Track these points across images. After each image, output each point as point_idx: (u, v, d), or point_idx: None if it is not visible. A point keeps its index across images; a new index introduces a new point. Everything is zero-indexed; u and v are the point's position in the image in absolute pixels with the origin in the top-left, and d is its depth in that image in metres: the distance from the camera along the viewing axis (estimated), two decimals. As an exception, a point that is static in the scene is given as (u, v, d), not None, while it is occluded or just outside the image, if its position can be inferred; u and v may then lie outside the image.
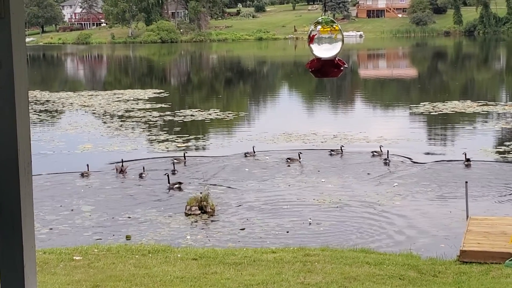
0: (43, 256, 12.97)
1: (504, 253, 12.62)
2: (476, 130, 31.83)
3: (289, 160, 25.39)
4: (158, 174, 23.47)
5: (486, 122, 33.78)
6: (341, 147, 26.74)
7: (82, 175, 23.84)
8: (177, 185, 21.89)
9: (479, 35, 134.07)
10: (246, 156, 26.38)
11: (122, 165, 24.49)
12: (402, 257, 13.39)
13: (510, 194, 20.03)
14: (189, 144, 29.18)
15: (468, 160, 24.26)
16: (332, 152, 26.45)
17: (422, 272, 12.31)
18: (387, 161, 24.84)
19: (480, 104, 38.52)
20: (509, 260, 12.41)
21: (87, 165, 24.39)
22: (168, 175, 22.33)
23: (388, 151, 25.44)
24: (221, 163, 25.42)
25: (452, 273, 12.26)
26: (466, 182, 17.18)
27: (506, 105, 38.61)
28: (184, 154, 26.03)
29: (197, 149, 28.27)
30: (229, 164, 25.33)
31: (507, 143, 27.44)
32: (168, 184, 21.90)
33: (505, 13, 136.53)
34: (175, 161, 25.34)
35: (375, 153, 25.75)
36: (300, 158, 25.45)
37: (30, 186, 2.83)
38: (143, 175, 23.68)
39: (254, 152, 26.66)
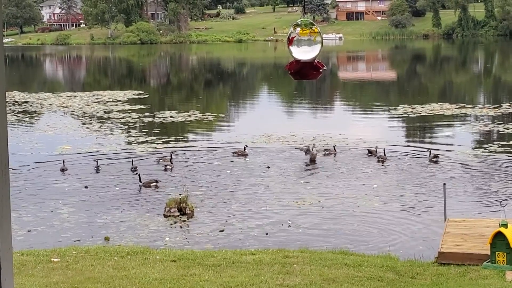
0: (20, 258, 12.88)
1: (482, 254, 12.70)
2: (454, 132, 32.04)
3: (326, 152, 26.26)
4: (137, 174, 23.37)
5: (464, 124, 34.01)
6: (334, 146, 26.87)
7: (62, 170, 24.32)
8: (154, 183, 21.89)
9: (458, 38, 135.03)
10: (234, 155, 26.41)
11: (97, 164, 24.84)
12: (380, 259, 13.44)
13: (488, 196, 20.16)
14: (169, 145, 29.09)
15: (435, 156, 25.01)
16: (326, 152, 26.55)
17: (400, 273, 12.36)
18: (381, 158, 25.27)
19: (458, 106, 38.77)
20: (487, 262, 12.49)
21: (63, 161, 24.94)
22: (139, 175, 22.32)
23: (384, 149, 25.85)
24: (200, 165, 25.38)
25: (430, 275, 12.32)
26: (444, 184, 17.26)
27: (484, 108, 38.88)
28: (171, 154, 25.96)
29: (177, 150, 28.12)
30: (209, 165, 25.28)
31: (485, 145, 27.63)
32: (140, 183, 21.88)
33: (483, 16, 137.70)
34: (161, 160, 25.48)
35: (369, 153, 26.03)
36: (336, 150, 26.38)
37: (7, 188, 2.81)
38: (134, 170, 24.06)
39: (245, 151, 26.74)
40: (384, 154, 25.48)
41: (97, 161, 25.03)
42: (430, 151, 25.74)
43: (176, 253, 13.73)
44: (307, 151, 25.62)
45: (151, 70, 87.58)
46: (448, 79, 63.93)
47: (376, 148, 26.28)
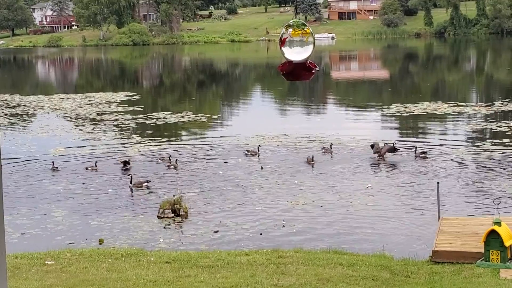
0: (14, 261, 12.86)
1: (476, 253, 12.73)
2: (447, 130, 32.08)
3: (324, 150, 26.56)
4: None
5: (457, 122, 34.07)
6: (330, 145, 26.94)
7: (53, 169, 24.71)
8: (145, 183, 21.90)
9: (450, 36, 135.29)
10: (246, 155, 26.56)
11: (96, 165, 25.06)
12: (375, 258, 13.46)
13: (481, 194, 20.18)
14: (162, 146, 29.05)
15: (423, 153, 25.53)
16: (324, 150, 26.58)
17: (395, 272, 12.38)
18: (382, 157, 25.50)
19: (451, 105, 38.84)
20: (481, 260, 12.52)
21: (52, 162, 25.21)
22: (131, 175, 22.32)
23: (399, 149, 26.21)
24: (194, 166, 25.35)
25: (424, 273, 12.35)
26: (438, 182, 17.29)
27: (477, 106, 38.95)
28: (170, 156, 25.95)
29: (170, 151, 28.04)
30: (203, 166, 25.26)
31: (478, 144, 27.68)
32: (130, 185, 21.87)
33: (474, 14, 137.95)
34: (159, 160, 25.68)
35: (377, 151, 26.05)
36: (332, 149, 26.58)
37: (0, 191, 2.80)
38: (128, 165, 24.75)
39: (258, 150, 26.80)
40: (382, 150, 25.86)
41: (96, 163, 25.10)
42: (416, 148, 26.15)
43: (171, 254, 13.72)
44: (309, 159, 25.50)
45: (143, 72, 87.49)
46: (441, 78, 64.00)
47: (385, 143, 26.62)
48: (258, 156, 26.36)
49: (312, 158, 25.10)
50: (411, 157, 25.72)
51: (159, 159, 26.01)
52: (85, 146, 29.63)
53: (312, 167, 24.72)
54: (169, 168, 24.67)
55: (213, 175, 23.73)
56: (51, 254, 13.71)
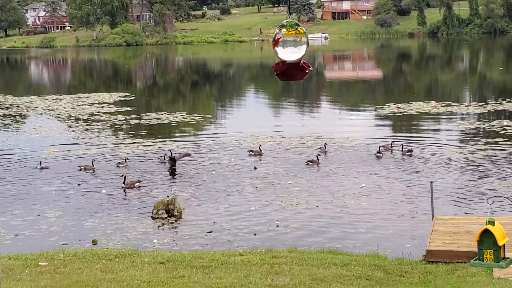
0: (8, 262, 12.83)
1: (469, 252, 12.74)
2: (441, 130, 32.13)
3: (320, 150, 26.50)
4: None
5: (450, 122, 34.12)
6: (325, 145, 27.01)
7: (41, 168, 25.02)
8: (136, 183, 21.90)
9: (443, 36, 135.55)
10: (250, 154, 26.64)
11: (93, 164, 25.15)
12: (369, 258, 13.48)
13: (475, 194, 20.21)
14: (155, 147, 29.01)
15: (409, 151, 26.02)
16: (320, 150, 26.60)
17: (389, 272, 12.40)
18: (381, 154, 25.92)
19: (444, 104, 38.89)
20: (474, 259, 12.52)
21: (40, 162, 25.58)
22: (124, 176, 22.29)
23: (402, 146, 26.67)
24: (188, 166, 25.33)
25: (418, 273, 12.37)
26: (431, 182, 17.31)
27: (470, 106, 39.02)
28: (165, 155, 25.98)
29: (164, 151, 28.02)
30: (196, 166, 25.25)
31: (471, 143, 27.72)
32: (123, 185, 21.84)
33: (467, 14, 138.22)
34: (160, 158, 25.95)
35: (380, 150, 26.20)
36: (326, 149, 26.75)
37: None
38: (120, 165, 25.06)
39: (261, 150, 26.90)
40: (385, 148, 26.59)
41: (93, 162, 25.17)
42: (402, 146, 26.55)
43: (165, 255, 13.71)
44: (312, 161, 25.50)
45: (137, 72, 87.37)
46: (434, 78, 64.10)
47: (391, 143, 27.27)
48: (260, 159, 26.33)
49: (317, 157, 25.12)
50: (397, 155, 25.84)
51: (159, 157, 26.15)
52: (78, 147, 29.56)
53: (318, 167, 24.66)
54: (171, 168, 24.66)
55: (207, 176, 23.71)
56: (45, 255, 13.68)
